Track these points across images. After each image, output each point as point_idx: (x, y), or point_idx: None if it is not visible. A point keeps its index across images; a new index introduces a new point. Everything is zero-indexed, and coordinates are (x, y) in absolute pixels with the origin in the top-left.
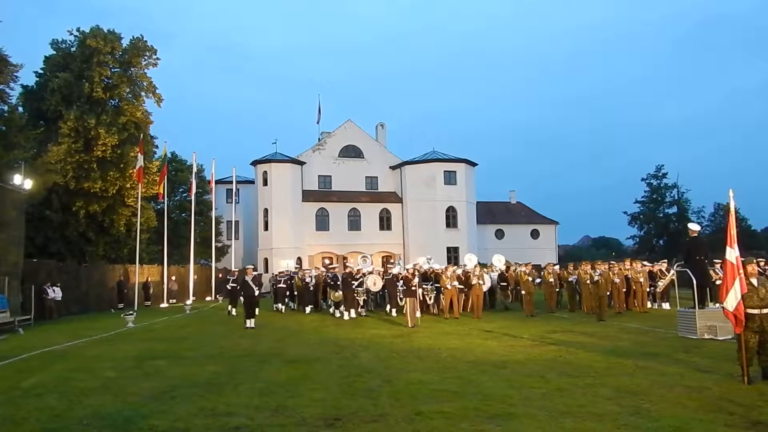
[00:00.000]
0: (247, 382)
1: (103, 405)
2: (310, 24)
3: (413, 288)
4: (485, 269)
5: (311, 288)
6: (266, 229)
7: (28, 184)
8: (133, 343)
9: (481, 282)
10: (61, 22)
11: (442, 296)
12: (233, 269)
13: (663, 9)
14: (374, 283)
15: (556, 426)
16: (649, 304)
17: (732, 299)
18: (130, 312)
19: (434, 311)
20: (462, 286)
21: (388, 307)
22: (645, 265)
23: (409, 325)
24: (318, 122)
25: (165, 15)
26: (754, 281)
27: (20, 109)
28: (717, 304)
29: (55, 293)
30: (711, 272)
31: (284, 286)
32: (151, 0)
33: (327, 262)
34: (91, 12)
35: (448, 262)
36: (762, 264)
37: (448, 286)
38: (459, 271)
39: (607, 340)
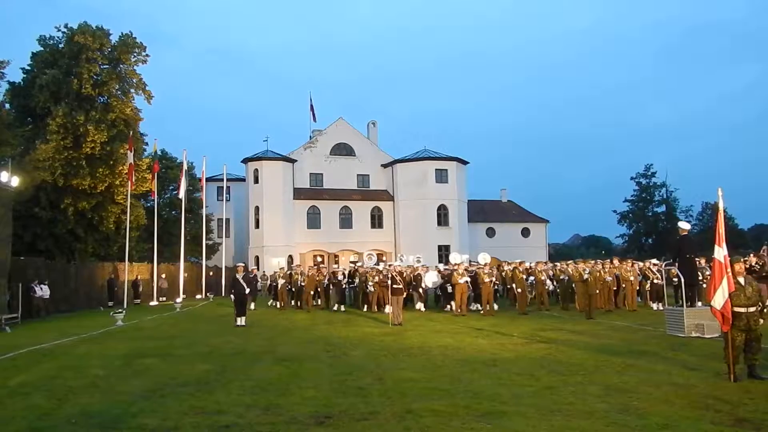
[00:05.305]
0: (237, 381)
1: (92, 404)
2: (304, 24)
3: (399, 287)
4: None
5: (343, 286)
6: (257, 227)
7: (16, 181)
8: (122, 342)
9: (492, 279)
10: (60, 23)
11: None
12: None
13: (652, 14)
14: (432, 282)
15: (545, 423)
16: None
17: (720, 298)
18: (120, 310)
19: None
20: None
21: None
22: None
23: (394, 323)
24: (314, 120)
25: (163, 17)
26: (741, 280)
27: (7, 105)
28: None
29: (43, 291)
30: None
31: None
32: (151, 2)
33: (319, 260)
34: (92, 13)
35: (439, 261)
36: (753, 260)
37: (461, 281)
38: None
39: (597, 338)
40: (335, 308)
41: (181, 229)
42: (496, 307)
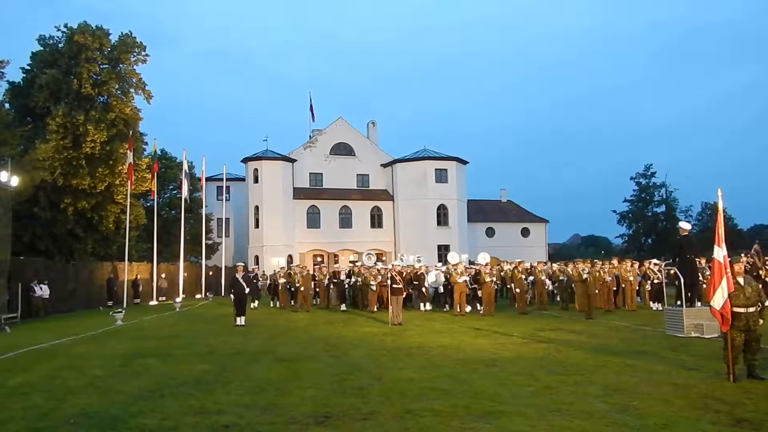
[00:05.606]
0: (236, 381)
1: (91, 404)
2: (304, 24)
3: (399, 287)
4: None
5: (346, 285)
6: (257, 226)
7: (15, 181)
8: (121, 342)
9: (493, 279)
10: (60, 23)
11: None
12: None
13: (652, 14)
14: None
15: (545, 423)
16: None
17: (719, 298)
18: (119, 310)
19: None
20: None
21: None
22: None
23: (394, 323)
24: (313, 120)
25: (163, 17)
26: (741, 280)
27: (7, 105)
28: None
29: (43, 291)
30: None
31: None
32: (151, 2)
33: (319, 260)
34: (92, 13)
35: (439, 260)
36: (746, 259)
37: (459, 280)
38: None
39: (596, 338)
40: (342, 307)
41: (181, 229)
42: (468, 308)
